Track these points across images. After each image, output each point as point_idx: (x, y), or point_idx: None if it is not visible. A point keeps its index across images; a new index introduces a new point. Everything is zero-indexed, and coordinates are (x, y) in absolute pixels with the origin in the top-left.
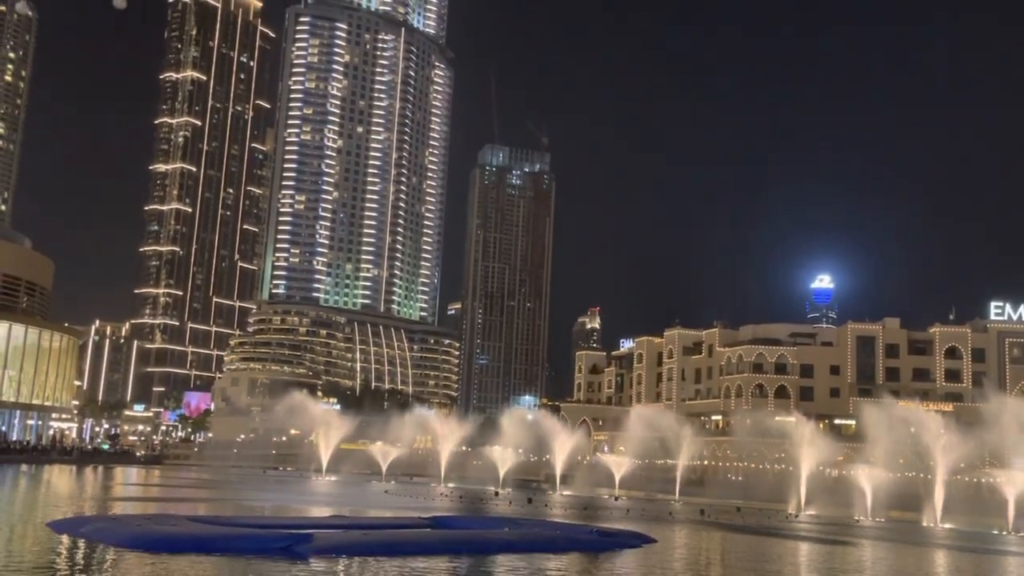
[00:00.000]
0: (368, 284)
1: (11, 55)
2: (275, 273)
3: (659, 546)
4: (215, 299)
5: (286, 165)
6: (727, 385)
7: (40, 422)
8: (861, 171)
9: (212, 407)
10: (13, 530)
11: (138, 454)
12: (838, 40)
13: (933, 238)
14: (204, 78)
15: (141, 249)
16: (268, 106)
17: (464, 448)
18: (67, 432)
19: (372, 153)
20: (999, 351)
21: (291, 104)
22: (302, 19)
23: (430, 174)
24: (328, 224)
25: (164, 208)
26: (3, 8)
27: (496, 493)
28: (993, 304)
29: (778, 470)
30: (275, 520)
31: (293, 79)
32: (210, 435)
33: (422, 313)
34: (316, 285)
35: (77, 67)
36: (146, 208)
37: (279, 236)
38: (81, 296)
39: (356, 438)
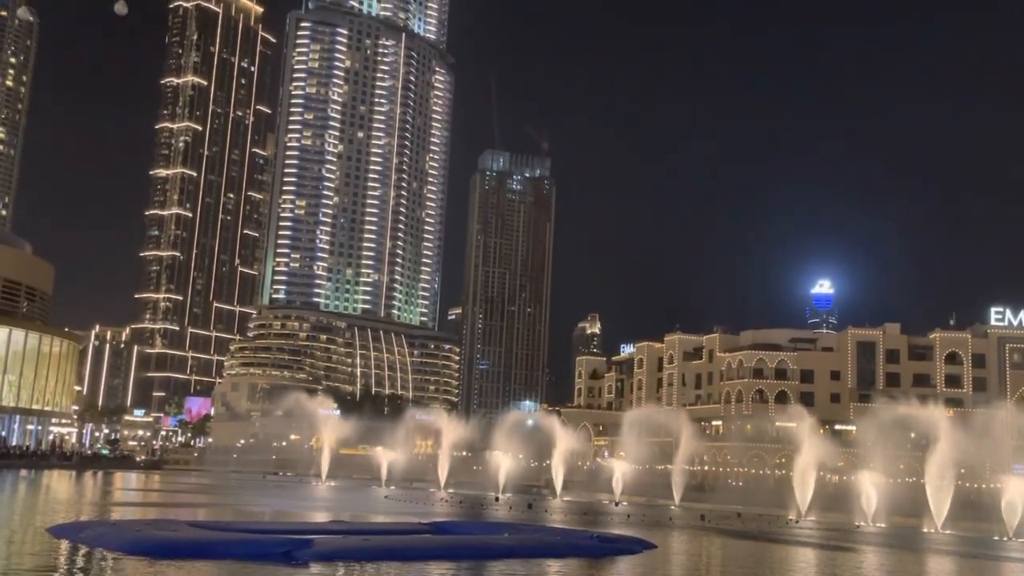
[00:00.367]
0: (368, 289)
1: (12, 60)
2: (275, 278)
3: (659, 552)
4: (215, 304)
5: (286, 170)
6: (727, 390)
7: (40, 427)
8: (861, 176)
9: (212, 412)
10: (13, 535)
11: (138, 459)
12: (839, 42)
13: (933, 243)
14: (205, 83)
15: (141, 254)
16: (269, 111)
17: (464, 453)
18: (67, 437)
19: (372, 158)
20: (999, 356)
21: (292, 109)
22: (303, 24)
23: (430, 179)
24: (328, 229)
25: (164, 213)
26: (4, 13)
27: (496, 498)
28: (993, 309)
29: (779, 475)
30: (275, 525)
31: (294, 84)
32: (210, 440)
33: (422, 318)
34: (316, 290)
35: (78, 72)
36: (146, 213)
37: (279, 241)
38: (81, 301)
39: (356, 443)
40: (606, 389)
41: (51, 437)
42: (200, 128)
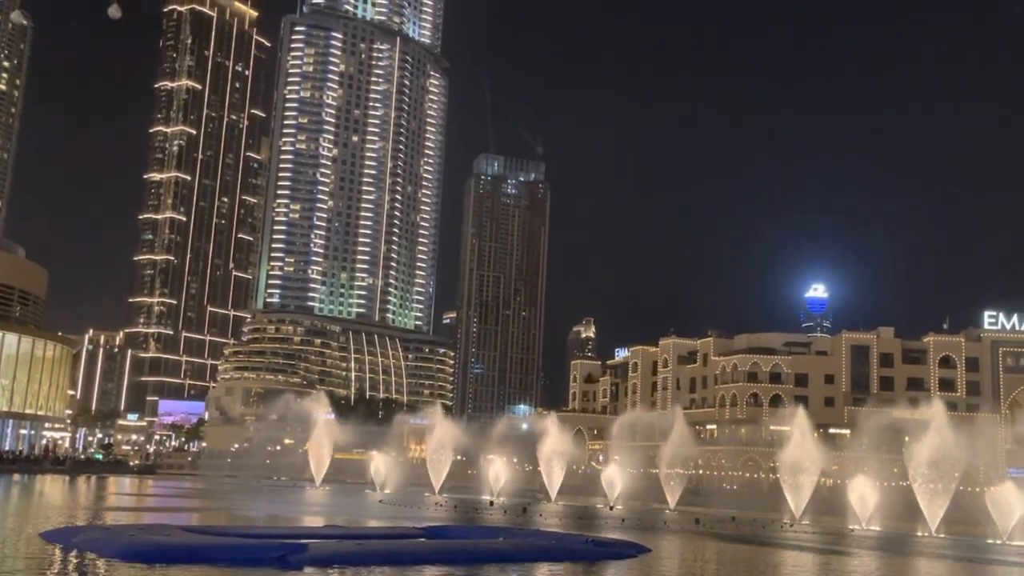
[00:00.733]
0: (363, 293)
1: (6, 64)
2: (270, 282)
3: (654, 555)
4: (209, 308)
5: (281, 174)
6: (722, 394)
7: (33, 432)
8: (856, 180)
9: (205, 417)
10: (5, 541)
11: (131, 464)
12: (838, 45)
13: (927, 247)
14: (199, 87)
15: (135, 258)
16: (263, 115)
17: (459, 457)
18: (60, 442)
19: (367, 162)
20: (992, 360)
21: (286, 113)
22: (297, 28)
23: (425, 183)
24: (323, 233)
25: (158, 217)
26: None
27: (491, 503)
28: (987, 313)
29: (773, 479)
30: (269, 530)
31: (288, 88)
32: (204, 445)
33: (417, 322)
34: (311, 294)
35: (72, 76)
36: (140, 217)
37: (274, 245)
38: (75, 305)
39: (351, 448)
40: (601, 393)
41: (44, 442)
42: (194, 132)
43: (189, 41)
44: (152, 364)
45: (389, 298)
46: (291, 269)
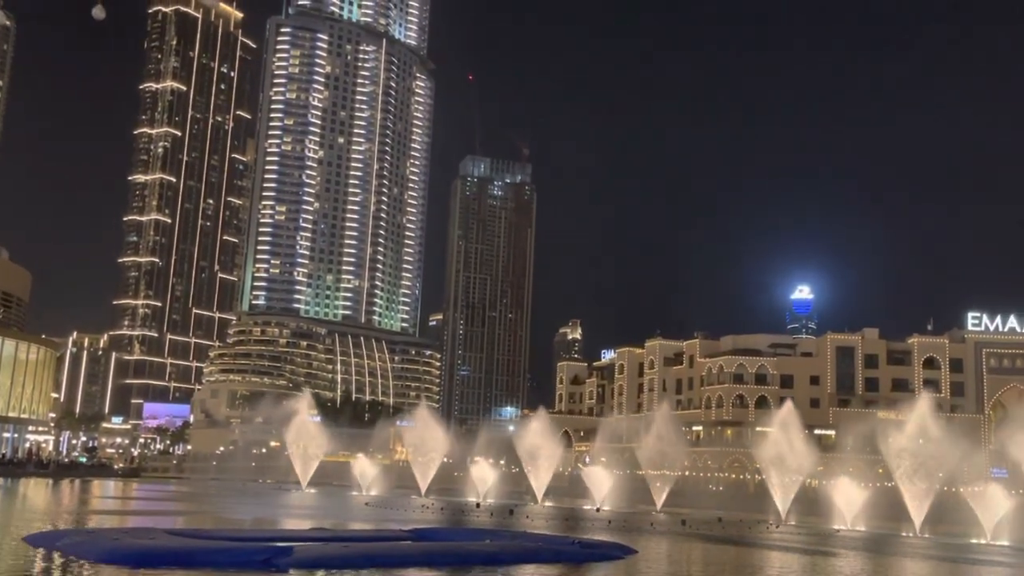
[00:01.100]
0: (349, 295)
1: None
2: (255, 284)
3: (640, 557)
4: (194, 310)
5: (266, 176)
6: (708, 396)
7: (16, 435)
8: (840, 183)
9: (191, 419)
10: None
11: (116, 467)
12: (821, 52)
13: (911, 249)
14: (184, 88)
15: (120, 260)
16: (249, 117)
17: (446, 460)
18: (44, 445)
19: (353, 164)
20: (976, 361)
21: (272, 115)
22: (283, 30)
23: (411, 185)
24: (309, 235)
25: (143, 219)
26: None
27: (477, 505)
28: (970, 315)
29: (759, 481)
30: (255, 533)
31: (274, 90)
32: (189, 448)
33: (403, 324)
34: (296, 296)
35: (55, 77)
36: (125, 219)
37: (259, 247)
38: (59, 307)
39: (337, 450)
40: (587, 395)
41: (28, 445)
42: (179, 133)
43: (174, 42)
44: (137, 366)
45: (375, 300)
46: (277, 271)
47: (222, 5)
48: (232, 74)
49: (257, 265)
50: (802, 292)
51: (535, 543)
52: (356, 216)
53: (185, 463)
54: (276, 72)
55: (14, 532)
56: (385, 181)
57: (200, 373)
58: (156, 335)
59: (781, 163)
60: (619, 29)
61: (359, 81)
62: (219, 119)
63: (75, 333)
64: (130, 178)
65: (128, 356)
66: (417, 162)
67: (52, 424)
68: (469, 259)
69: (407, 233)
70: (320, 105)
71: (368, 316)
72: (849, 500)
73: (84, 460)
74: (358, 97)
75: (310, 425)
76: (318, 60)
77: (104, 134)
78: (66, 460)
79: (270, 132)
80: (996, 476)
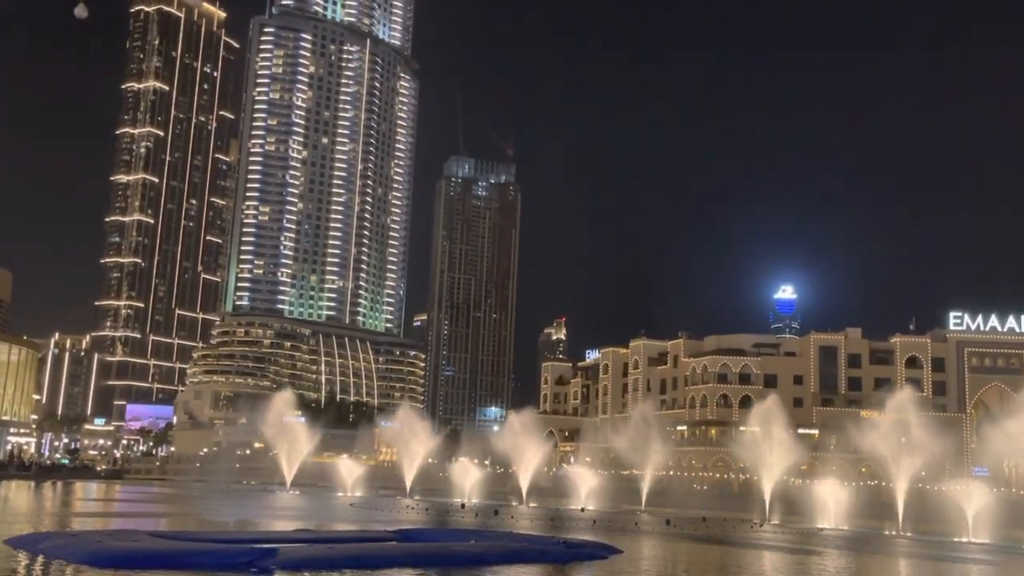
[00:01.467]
0: (333, 295)
1: None
2: (239, 285)
3: (625, 557)
4: (178, 311)
5: (250, 176)
6: (692, 395)
7: None
8: (823, 183)
9: (174, 421)
10: None
11: (98, 469)
12: (802, 52)
13: (894, 248)
14: (167, 88)
15: (102, 260)
16: (232, 117)
17: (430, 460)
18: (25, 447)
19: (337, 164)
20: (958, 360)
21: (255, 115)
22: (266, 30)
23: (395, 185)
24: (293, 235)
25: (126, 219)
26: None
27: (462, 505)
28: (952, 314)
29: (743, 480)
30: (239, 535)
31: (257, 90)
32: (172, 449)
33: (388, 325)
34: (280, 297)
35: (36, 76)
36: (107, 219)
37: (243, 247)
38: (40, 308)
39: (322, 451)
40: (572, 395)
41: (9, 447)
42: (162, 134)
43: (156, 42)
44: (119, 368)
45: (359, 300)
46: (260, 272)
47: (205, 5)
48: (215, 74)
49: (241, 266)
50: (785, 292)
51: (520, 543)
52: (340, 216)
53: (168, 465)
54: (259, 72)
55: None
56: (369, 181)
57: (183, 374)
58: (139, 336)
59: (764, 164)
60: (601, 28)
61: (343, 81)
62: (202, 119)
63: (57, 334)
64: (112, 178)
65: (111, 357)
66: (401, 162)
67: (34, 426)
68: (453, 259)
69: (391, 233)
70: (304, 105)
71: (352, 317)
72: (832, 499)
73: (66, 462)
74: (342, 97)
75: (294, 426)
76: (302, 60)
77: (86, 134)
78: (48, 462)
79: (253, 132)
80: (978, 474)
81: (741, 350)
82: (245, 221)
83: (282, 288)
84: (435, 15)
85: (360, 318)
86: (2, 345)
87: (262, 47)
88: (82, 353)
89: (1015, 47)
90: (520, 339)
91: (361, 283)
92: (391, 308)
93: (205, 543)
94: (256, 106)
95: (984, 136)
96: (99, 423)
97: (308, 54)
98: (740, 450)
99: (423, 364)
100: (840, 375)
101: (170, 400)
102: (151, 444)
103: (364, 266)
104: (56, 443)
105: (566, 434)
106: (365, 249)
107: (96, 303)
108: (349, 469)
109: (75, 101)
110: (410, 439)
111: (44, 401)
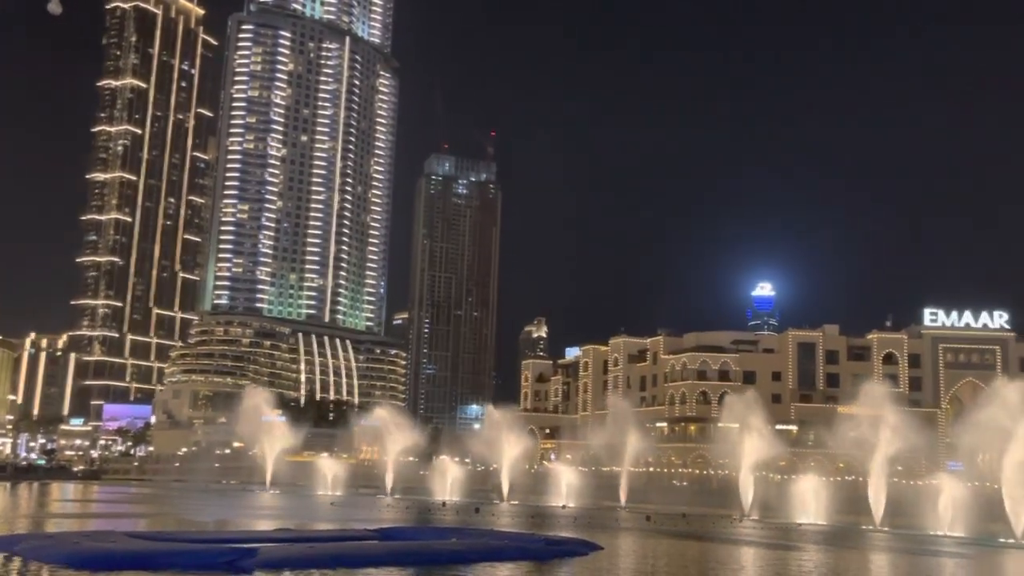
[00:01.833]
0: (313, 294)
1: None
2: (217, 283)
3: (605, 553)
4: (156, 310)
5: (229, 174)
6: (671, 392)
7: None
8: (801, 182)
9: (152, 421)
10: None
11: (75, 469)
12: (789, 52)
13: (871, 246)
14: (144, 86)
15: (78, 259)
16: (210, 114)
17: (411, 459)
18: (1, 448)
19: (316, 162)
20: (933, 356)
21: (233, 112)
22: (245, 27)
23: (375, 183)
24: (272, 234)
25: (102, 218)
26: None
27: (444, 504)
28: (928, 311)
29: (722, 476)
30: (219, 535)
31: (236, 87)
32: (151, 449)
33: (368, 323)
34: (260, 295)
35: (10, 74)
36: (83, 218)
37: (221, 246)
38: (16, 308)
39: (302, 450)
40: (552, 392)
41: None
42: (139, 132)
43: (133, 39)
44: (97, 367)
45: (339, 299)
46: (239, 270)
47: (182, 2)
48: (193, 71)
49: (219, 264)
50: (764, 289)
51: (501, 541)
52: (320, 215)
53: (147, 465)
54: (238, 69)
55: None
56: (349, 179)
57: (162, 374)
58: (116, 335)
59: (745, 161)
60: (584, 23)
61: (322, 79)
62: (180, 117)
63: (33, 334)
64: (89, 176)
65: (88, 357)
66: (381, 160)
67: (9, 427)
68: (434, 258)
69: (371, 232)
70: (283, 103)
71: (332, 315)
72: (811, 494)
73: (42, 463)
74: (321, 95)
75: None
76: (280, 57)
77: (62, 132)
78: (24, 463)
79: (232, 130)
80: (952, 469)
81: (720, 347)
82: (224, 219)
83: (261, 287)
84: (415, 13)
85: (340, 316)
86: None
87: (240, 44)
88: (59, 353)
89: (1015, 47)
90: (501, 337)
91: (341, 281)
92: (371, 306)
93: (184, 543)
94: (234, 104)
95: (984, 136)
96: (76, 423)
97: (287, 52)
98: (719, 446)
99: (404, 362)
100: (818, 371)
101: (148, 400)
102: (129, 444)
103: (344, 264)
104: (32, 444)
105: (547, 431)
106: (345, 247)
107: (73, 302)
108: (329, 468)
109: (50, 99)
110: (390, 438)
111: (20, 401)
